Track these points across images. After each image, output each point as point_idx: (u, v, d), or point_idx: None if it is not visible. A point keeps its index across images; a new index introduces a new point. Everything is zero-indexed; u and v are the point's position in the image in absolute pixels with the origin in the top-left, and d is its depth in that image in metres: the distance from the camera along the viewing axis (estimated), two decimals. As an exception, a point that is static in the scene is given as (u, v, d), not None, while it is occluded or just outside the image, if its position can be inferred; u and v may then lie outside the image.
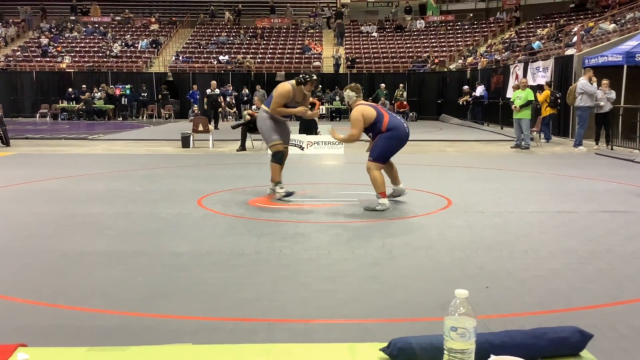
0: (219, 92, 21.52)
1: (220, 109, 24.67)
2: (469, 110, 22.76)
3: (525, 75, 18.88)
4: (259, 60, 29.19)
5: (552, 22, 25.77)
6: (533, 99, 13.64)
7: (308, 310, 3.50)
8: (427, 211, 6.42)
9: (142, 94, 26.19)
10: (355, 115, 6.60)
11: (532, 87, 14.90)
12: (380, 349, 1.49)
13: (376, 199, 6.57)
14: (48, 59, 28.85)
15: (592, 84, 13.13)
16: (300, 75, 7.22)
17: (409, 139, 6.78)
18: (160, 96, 26.10)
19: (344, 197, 7.28)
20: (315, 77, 7.26)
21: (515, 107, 13.42)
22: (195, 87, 24.67)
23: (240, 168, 10.36)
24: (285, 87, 7.18)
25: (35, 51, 29.48)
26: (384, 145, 6.64)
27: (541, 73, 17.88)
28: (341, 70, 28.03)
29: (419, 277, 4.15)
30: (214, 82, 21.39)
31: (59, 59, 28.91)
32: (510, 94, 19.29)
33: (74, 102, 25.69)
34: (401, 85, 26.12)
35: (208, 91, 20.75)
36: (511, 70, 20.47)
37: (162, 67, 28.83)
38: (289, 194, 7.20)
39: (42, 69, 27.90)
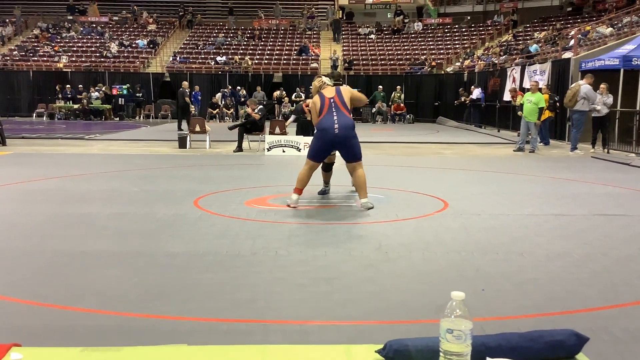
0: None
1: (217, 110, 24.70)
2: (465, 112, 22.79)
3: (522, 79, 18.90)
4: (256, 61, 29.18)
5: (550, 26, 25.82)
6: (544, 105, 13.66)
7: (304, 311, 3.50)
8: (423, 213, 6.42)
9: (137, 94, 26.19)
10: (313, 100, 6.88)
11: (524, 91, 14.88)
12: (376, 351, 1.49)
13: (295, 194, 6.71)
14: (45, 59, 28.78)
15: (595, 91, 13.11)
16: (335, 77, 7.30)
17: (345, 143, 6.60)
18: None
19: (340, 199, 7.28)
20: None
21: (537, 123, 13.40)
22: (197, 87, 24.81)
23: (237, 169, 10.35)
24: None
25: (31, 51, 29.40)
26: (312, 144, 6.84)
27: (538, 76, 17.92)
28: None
29: (415, 279, 4.15)
30: (186, 83, 18.66)
31: (56, 59, 28.84)
32: (507, 97, 19.33)
33: (71, 101, 25.66)
34: (398, 87, 26.15)
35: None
36: (508, 74, 20.51)
37: (159, 67, 28.80)
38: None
39: (39, 68, 27.83)
